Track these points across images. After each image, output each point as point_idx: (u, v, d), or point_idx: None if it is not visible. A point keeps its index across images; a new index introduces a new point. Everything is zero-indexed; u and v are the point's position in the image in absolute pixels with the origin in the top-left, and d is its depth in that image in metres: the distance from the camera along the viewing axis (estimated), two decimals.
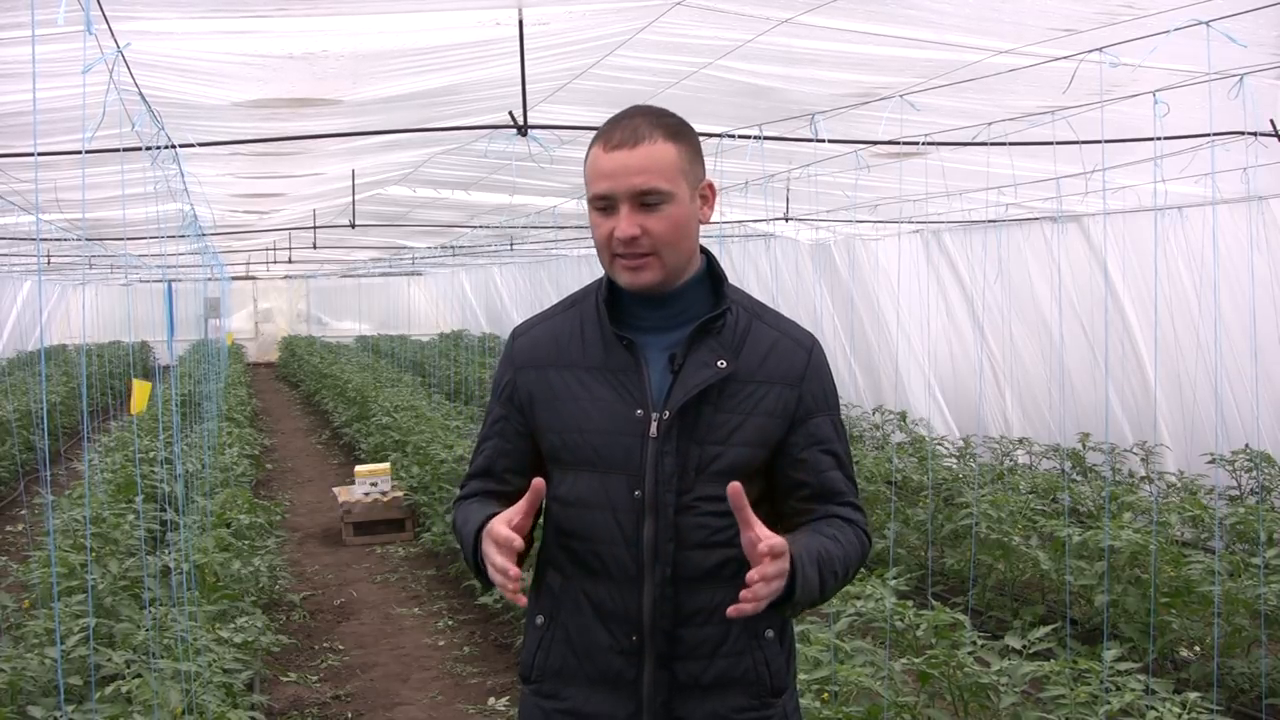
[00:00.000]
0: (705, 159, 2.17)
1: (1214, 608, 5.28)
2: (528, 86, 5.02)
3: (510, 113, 5.34)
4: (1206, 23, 4.11)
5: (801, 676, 4.17)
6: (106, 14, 3.70)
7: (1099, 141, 5.49)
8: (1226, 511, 7.08)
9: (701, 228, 2.16)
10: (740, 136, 6.16)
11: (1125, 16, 4.32)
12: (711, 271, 2.20)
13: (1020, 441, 10.61)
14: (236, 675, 4.78)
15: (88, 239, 12.35)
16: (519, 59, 4.80)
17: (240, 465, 10.25)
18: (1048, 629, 4.63)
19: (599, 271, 2.23)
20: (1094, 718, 4.05)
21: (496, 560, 1.98)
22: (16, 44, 4.00)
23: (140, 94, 4.76)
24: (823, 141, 6.04)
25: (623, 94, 5.51)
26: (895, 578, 5.23)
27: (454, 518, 2.30)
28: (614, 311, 2.18)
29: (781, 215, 10.12)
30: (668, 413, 2.08)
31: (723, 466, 2.08)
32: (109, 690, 4.14)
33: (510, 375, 2.24)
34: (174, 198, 7.55)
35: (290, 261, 18.03)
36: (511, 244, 16.29)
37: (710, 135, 6.09)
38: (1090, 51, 4.63)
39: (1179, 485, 8.68)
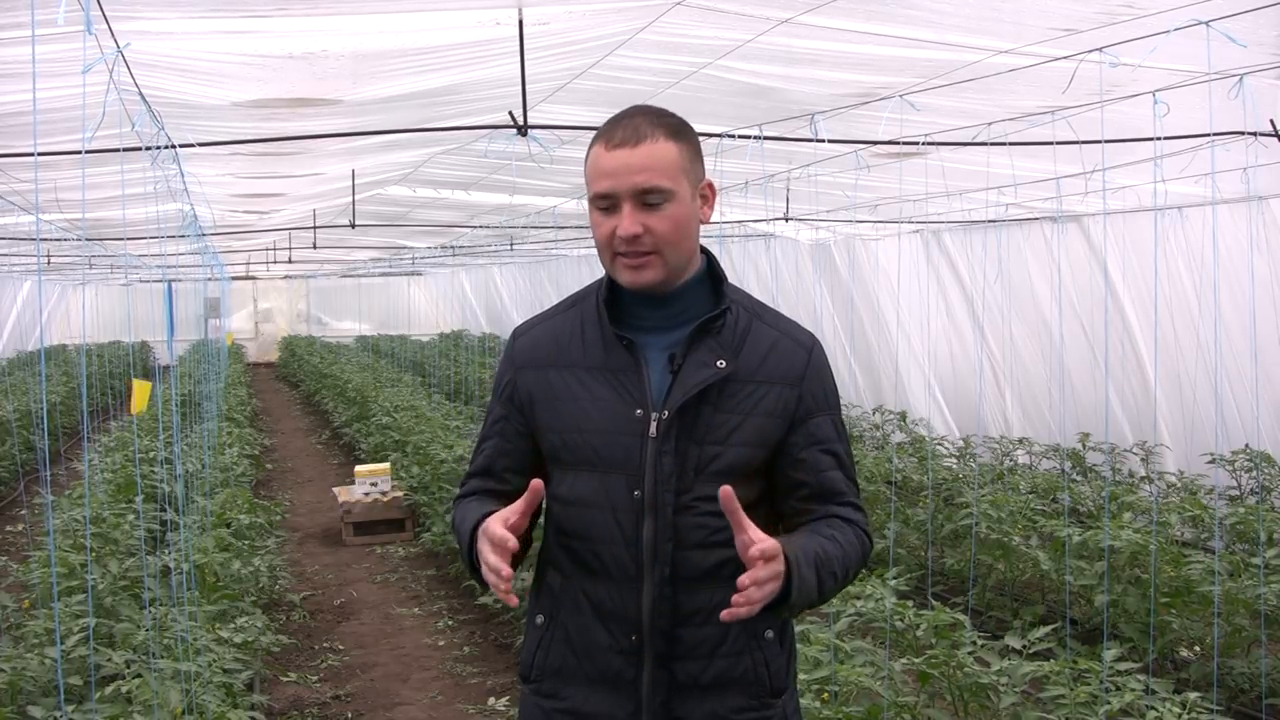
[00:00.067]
0: (705, 159, 2.18)
1: (1214, 608, 5.28)
2: (528, 86, 5.02)
3: (510, 113, 5.34)
4: (1206, 23, 4.11)
5: (801, 676, 4.17)
6: (106, 14, 3.70)
7: (1099, 141, 5.49)
8: (1226, 511, 7.08)
9: (701, 228, 2.16)
10: (740, 136, 6.15)
11: (1125, 16, 4.32)
12: (712, 271, 2.20)
13: (1020, 441, 10.61)
14: (236, 675, 4.78)
15: (88, 239, 12.36)
16: (519, 59, 4.80)
17: (240, 465, 10.25)
18: (1048, 629, 4.63)
19: (599, 271, 2.23)
20: (1094, 718, 4.05)
21: (490, 559, 1.98)
22: (16, 44, 4.00)
23: (140, 94, 4.76)
24: (823, 141, 6.03)
25: (623, 94, 5.51)
26: (895, 578, 5.23)
27: (453, 516, 2.30)
28: (614, 311, 2.18)
29: (781, 215, 10.12)
30: (667, 412, 2.08)
31: (722, 466, 2.08)
32: (109, 690, 4.14)
33: (511, 375, 2.24)
34: (174, 198, 7.56)
35: (290, 261, 18.03)
36: (511, 244, 16.29)
37: (710, 135, 6.10)
38: (1090, 51, 4.63)
39: (1179, 485, 8.67)
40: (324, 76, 5.22)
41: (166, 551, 6.23)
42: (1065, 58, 4.77)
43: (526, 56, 4.79)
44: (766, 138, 6.13)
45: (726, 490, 1.90)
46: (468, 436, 10.36)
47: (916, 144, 6.54)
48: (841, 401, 2.31)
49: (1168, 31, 4.15)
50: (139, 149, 4.92)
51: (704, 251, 2.20)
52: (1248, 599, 5.51)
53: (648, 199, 2.04)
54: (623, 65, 5.31)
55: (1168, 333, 9.03)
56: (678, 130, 2.09)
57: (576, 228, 13.18)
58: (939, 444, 10.58)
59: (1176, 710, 3.98)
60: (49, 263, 16.07)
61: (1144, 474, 9.35)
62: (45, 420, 10.11)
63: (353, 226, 10.12)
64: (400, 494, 9.64)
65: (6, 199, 8.48)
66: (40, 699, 4.34)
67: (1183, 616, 5.77)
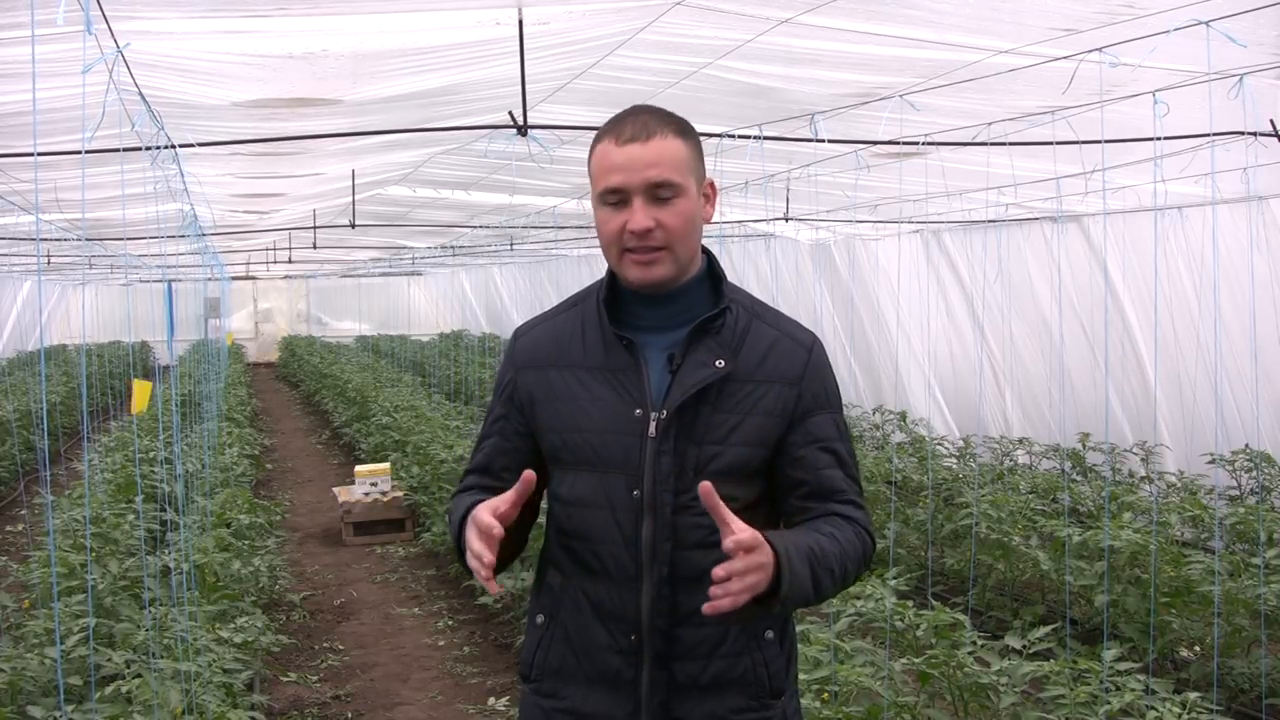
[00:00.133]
0: (705, 159, 2.18)
1: (1214, 608, 5.28)
2: (527, 86, 5.02)
3: (510, 113, 5.34)
4: (1206, 23, 4.11)
5: (801, 676, 4.17)
6: (106, 14, 3.70)
7: (1099, 141, 5.49)
8: (1226, 511, 7.08)
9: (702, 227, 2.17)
10: (740, 136, 6.16)
11: (1125, 16, 4.32)
12: (712, 271, 2.20)
13: (1020, 441, 10.61)
14: (236, 675, 4.78)
15: (88, 239, 12.36)
16: (519, 59, 4.80)
17: (240, 465, 10.26)
18: (1048, 629, 4.63)
19: (599, 271, 2.23)
20: (1094, 718, 4.05)
21: (474, 545, 1.97)
22: (16, 44, 4.00)
23: (140, 94, 4.76)
24: (823, 141, 6.03)
25: (622, 94, 5.51)
26: (895, 578, 5.23)
27: (449, 510, 2.30)
28: (614, 311, 2.17)
29: (781, 215, 10.12)
30: (665, 412, 2.08)
31: (721, 466, 2.07)
32: (109, 690, 4.14)
33: (511, 375, 2.24)
34: (174, 198, 7.56)
35: (290, 261, 18.03)
36: (511, 244, 16.30)
37: (710, 135, 6.10)
38: (1090, 51, 4.63)
39: (1179, 485, 8.68)
40: (324, 76, 5.22)
41: (166, 551, 6.23)
42: (1065, 58, 4.77)
43: (526, 56, 4.79)
44: (766, 138, 6.13)
45: (706, 486, 1.89)
46: (468, 436, 10.37)
47: (916, 144, 6.54)
48: (842, 401, 2.30)
49: (1168, 31, 4.15)
50: (139, 149, 4.92)
51: (704, 251, 2.20)
52: (1248, 599, 5.51)
53: (660, 193, 2.04)
54: (623, 65, 5.31)
55: (1168, 333, 9.03)
56: (684, 129, 2.10)
57: (576, 228, 13.18)
58: (939, 444, 10.58)
59: (1176, 710, 3.98)
60: (49, 263, 16.07)
61: (1144, 474, 9.35)
62: (45, 420, 10.11)
63: (353, 226, 10.12)
64: (400, 494, 9.64)
65: (6, 199, 8.48)
66: (40, 699, 4.34)
67: (1183, 616, 5.77)
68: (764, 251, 14.02)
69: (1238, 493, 8.70)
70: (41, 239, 11.72)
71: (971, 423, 10.98)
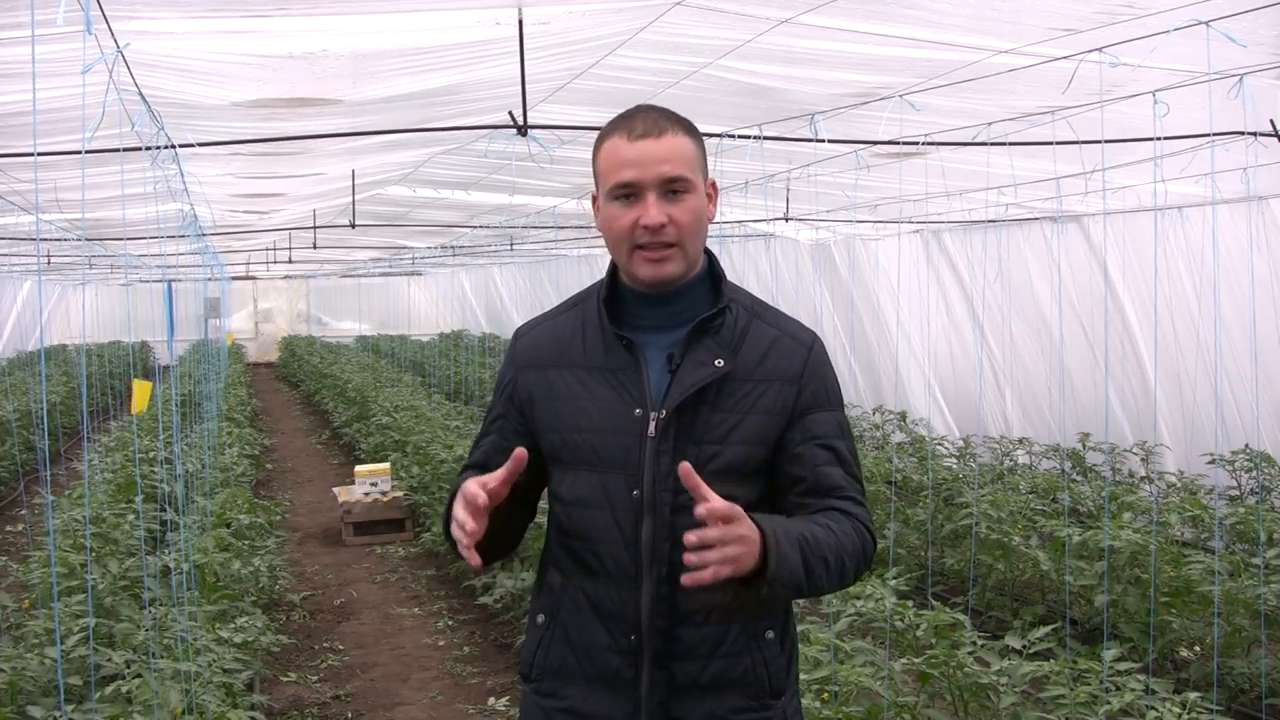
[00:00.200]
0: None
1: (1214, 608, 5.28)
2: (527, 86, 5.02)
3: (510, 113, 5.34)
4: (1206, 23, 4.11)
5: (801, 676, 4.16)
6: (106, 14, 3.70)
7: (1099, 141, 5.49)
8: (1226, 511, 7.08)
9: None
10: (740, 136, 6.15)
11: (1125, 16, 4.32)
12: (712, 271, 2.20)
13: (1020, 441, 10.61)
14: (236, 675, 4.78)
15: (88, 239, 12.35)
16: (519, 59, 4.80)
17: (240, 465, 10.26)
18: (1048, 629, 4.63)
19: (599, 272, 2.23)
20: (1094, 718, 4.05)
21: (458, 514, 1.97)
22: (16, 44, 4.00)
23: (140, 94, 4.76)
24: (823, 141, 6.04)
25: (623, 94, 5.51)
26: (895, 578, 5.23)
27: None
28: (615, 311, 2.18)
29: (781, 215, 10.12)
30: (665, 412, 2.08)
31: (720, 465, 2.07)
32: (109, 690, 4.15)
33: (512, 375, 2.24)
34: (174, 198, 7.56)
35: (290, 261, 18.03)
36: (511, 244, 16.30)
37: (710, 135, 6.09)
38: (1090, 51, 4.63)
39: (1179, 485, 8.68)
40: (324, 76, 5.22)
41: (166, 551, 6.23)
42: (1065, 58, 4.77)
43: (526, 56, 4.79)
44: (766, 138, 6.13)
45: (685, 466, 1.87)
46: (467, 436, 10.36)
47: (916, 144, 6.54)
48: (844, 401, 2.29)
49: (1168, 31, 4.15)
50: (139, 149, 4.92)
51: (705, 251, 2.20)
52: (1248, 599, 5.51)
53: (673, 188, 2.05)
54: (623, 65, 5.31)
55: (1168, 333, 9.03)
56: (691, 128, 2.11)
57: (576, 228, 13.18)
58: (939, 444, 10.58)
59: (1176, 710, 3.99)
60: (49, 263, 16.07)
61: (1144, 474, 9.35)
62: (45, 420, 10.12)
63: (353, 226, 10.12)
64: (400, 494, 9.64)
65: (6, 199, 8.48)
66: (40, 699, 4.34)
67: (1183, 616, 5.77)
68: (764, 251, 14.02)
69: (1238, 493, 8.70)
70: (41, 239, 11.72)
71: (971, 423, 10.98)
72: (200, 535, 6.64)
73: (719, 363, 2.10)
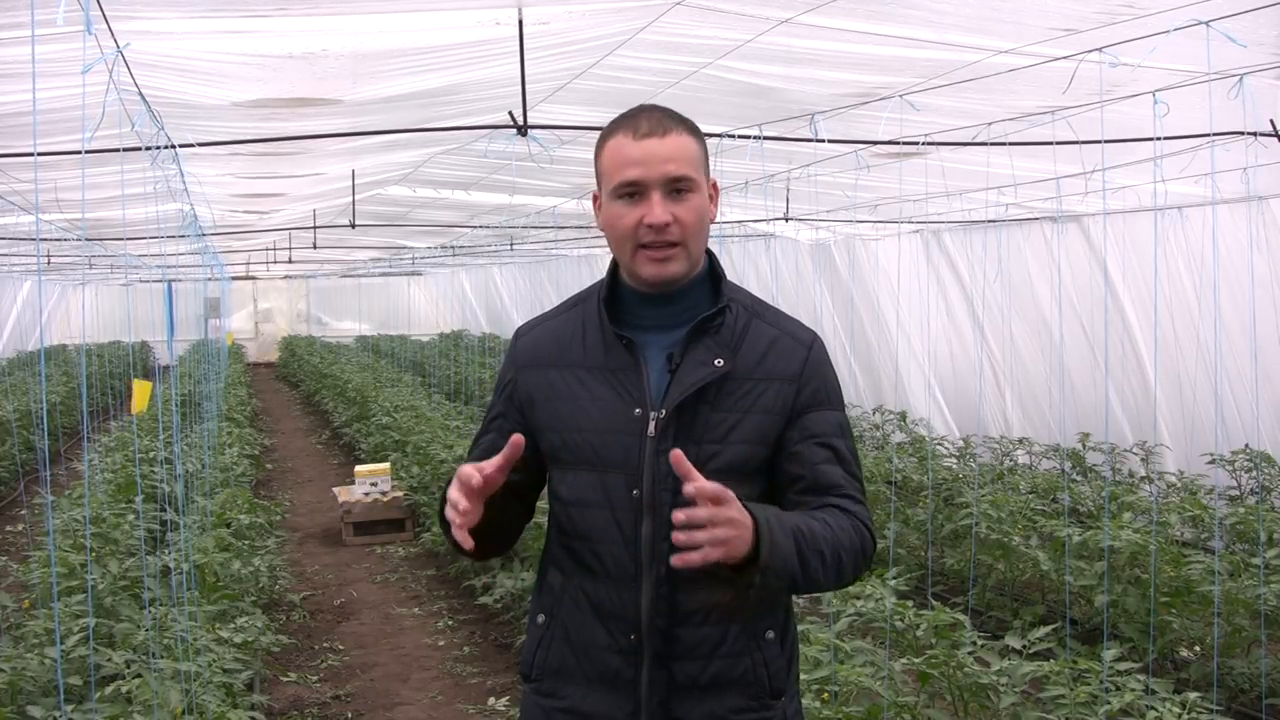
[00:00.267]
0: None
1: (1214, 608, 5.28)
2: (527, 86, 5.02)
3: (510, 113, 5.34)
4: (1206, 23, 4.11)
5: (801, 676, 4.16)
6: (106, 14, 3.70)
7: (1099, 141, 5.49)
8: (1226, 511, 7.08)
9: None
10: (740, 136, 6.16)
11: (1125, 16, 4.32)
12: (713, 271, 2.20)
13: (1020, 441, 10.61)
14: (236, 675, 4.78)
15: (88, 239, 12.35)
16: (519, 59, 4.80)
17: (240, 465, 10.26)
18: (1048, 629, 4.63)
19: (599, 272, 2.23)
20: (1094, 718, 4.05)
21: (452, 494, 1.97)
22: (16, 44, 4.00)
23: (140, 94, 4.76)
24: (823, 141, 6.04)
25: (623, 94, 5.51)
26: (895, 578, 5.23)
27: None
28: (615, 311, 2.18)
29: (781, 215, 10.12)
30: (664, 411, 2.08)
31: (720, 465, 2.07)
32: (109, 690, 4.15)
33: (512, 374, 2.25)
34: (174, 198, 7.56)
35: (290, 261, 18.03)
36: (511, 244, 16.30)
37: (710, 135, 6.08)
38: (1090, 51, 4.63)
39: (1179, 485, 8.68)
40: (324, 76, 5.22)
41: (166, 551, 6.23)
42: (1065, 58, 4.77)
43: (526, 56, 4.79)
44: (766, 138, 6.13)
45: (676, 453, 1.87)
46: (467, 436, 10.36)
47: (916, 144, 6.54)
48: (844, 400, 2.29)
49: (1168, 31, 4.15)
50: (139, 149, 4.92)
51: (706, 251, 2.21)
52: (1248, 599, 5.51)
53: (677, 187, 2.05)
54: (623, 65, 5.31)
55: (1168, 333, 9.04)
56: (694, 128, 2.12)
57: (576, 228, 13.18)
58: (939, 444, 10.58)
59: (1176, 710, 3.99)
60: (49, 263, 16.07)
61: (1144, 474, 9.35)
62: (45, 420, 10.12)
63: (353, 226, 10.13)
64: (400, 494, 9.64)
65: (6, 199, 8.48)
66: (40, 699, 4.34)
67: (1183, 616, 5.77)
68: (764, 251, 14.02)
69: (1238, 493, 8.70)
70: (41, 239, 11.72)
71: (971, 423, 10.98)
72: (200, 535, 6.64)
73: (719, 362, 2.10)
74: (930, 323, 11.30)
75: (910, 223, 11.18)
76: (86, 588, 4.94)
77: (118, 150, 4.53)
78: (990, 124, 6.08)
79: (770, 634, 2.14)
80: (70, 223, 10.89)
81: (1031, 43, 4.73)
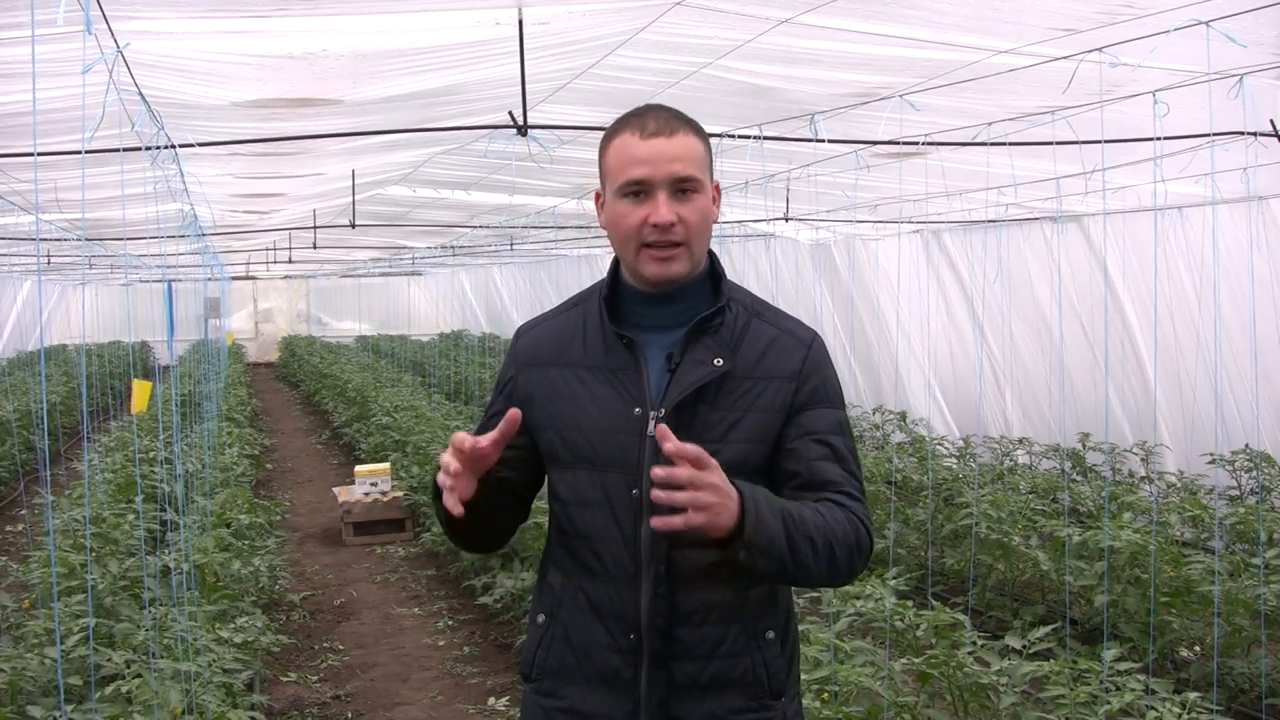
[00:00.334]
0: None
1: (1214, 608, 5.28)
2: (527, 86, 5.02)
3: (510, 113, 5.34)
4: (1206, 23, 4.11)
5: (802, 676, 4.17)
6: (106, 14, 3.70)
7: (1099, 141, 5.49)
8: (1226, 511, 7.08)
9: None
10: (740, 136, 6.16)
11: (1125, 16, 4.32)
12: (713, 271, 2.21)
13: (1020, 441, 10.61)
14: (236, 675, 4.78)
15: (88, 239, 12.36)
16: (519, 59, 4.80)
17: (240, 465, 10.26)
18: (1048, 629, 4.63)
19: (599, 271, 2.23)
20: (1094, 718, 4.05)
21: (443, 457, 1.97)
22: (16, 44, 4.00)
23: (140, 94, 4.76)
24: (823, 141, 6.04)
25: (623, 94, 5.51)
26: (895, 578, 5.23)
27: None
28: (616, 310, 2.18)
29: (781, 215, 10.12)
30: (664, 410, 2.08)
31: (720, 463, 2.04)
32: (109, 690, 4.15)
33: (513, 373, 2.25)
34: (174, 198, 7.56)
35: (290, 261, 18.03)
36: (511, 244, 16.30)
37: (710, 135, 6.07)
38: (1090, 51, 4.63)
39: (1179, 485, 8.68)
40: (324, 76, 5.22)
41: (166, 551, 6.23)
42: (1065, 58, 4.77)
43: (526, 56, 4.79)
44: (766, 138, 6.13)
45: (661, 427, 1.86)
46: None
47: (916, 144, 6.54)
48: (844, 400, 2.28)
49: (1168, 31, 4.15)
50: (139, 149, 4.93)
51: (708, 252, 2.21)
52: (1248, 599, 5.51)
53: (683, 187, 2.05)
54: (623, 65, 5.31)
55: (1168, 333, 9.04)
56: (699, 129, 2.13)
57: (576, 228, 13.18)
58: (939, 444, 10.58)
59: (1176, 710, 3.99)
60: (49, 263, 16.07)
61: (1144, 474, 9.35)
62: (45, 420, 10.11)
63: (353, 226, 10.12)
64: (400, 494, 9.64)
65: (6, 199, 8.48)
66: (40, 699, 4.35)
67: (1183, 616, 5.77)
68: (764, 251, 14.02)
69: (1238, 493, 8.70)
70: (41, 239, 11.72)
71: (971, 423, 10.98)
72: (200, 535, 6.64)
73: (718, 361, 2.10)
74: (930, 323, 11.30)
75: (910, 223, 11.18)
76: (86, 588, 4.94)
77: (118, 150, 4.53)
78: (990, 124, 6.09)
79: (770, 634, 2.14)
80: (70, 223, 10.89)
81: (1031, 43, 4.73)
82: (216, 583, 6.00)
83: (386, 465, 10.01)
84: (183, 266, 18.24)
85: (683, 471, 1.83)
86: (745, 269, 14.20)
